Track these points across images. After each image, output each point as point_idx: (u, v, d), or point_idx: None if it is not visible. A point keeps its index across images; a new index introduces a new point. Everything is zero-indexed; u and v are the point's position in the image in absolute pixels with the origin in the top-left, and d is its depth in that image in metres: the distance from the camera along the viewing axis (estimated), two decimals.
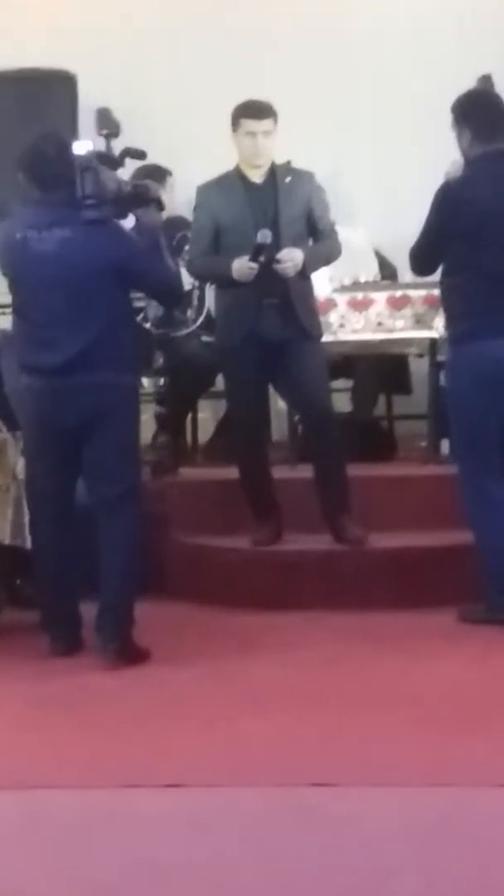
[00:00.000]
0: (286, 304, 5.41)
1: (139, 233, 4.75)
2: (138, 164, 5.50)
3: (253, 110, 5.41)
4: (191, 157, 5.80)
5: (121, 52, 7.02)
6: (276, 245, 5.36)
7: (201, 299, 6.15)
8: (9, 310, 6.59)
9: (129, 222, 4.77)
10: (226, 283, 5.40)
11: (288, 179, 5.44)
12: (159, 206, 4.85)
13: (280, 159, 5.48)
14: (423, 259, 5.01)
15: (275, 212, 5.40)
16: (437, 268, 4.99)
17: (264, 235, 5.27)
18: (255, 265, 5.26)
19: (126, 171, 5.13)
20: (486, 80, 5.20)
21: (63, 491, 4.75)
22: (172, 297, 5.15)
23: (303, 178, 5.49)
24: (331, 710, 4.06)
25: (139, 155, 5.21)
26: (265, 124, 5.39)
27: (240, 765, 3.63)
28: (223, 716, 4.06)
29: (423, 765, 3.53)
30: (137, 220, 4.77)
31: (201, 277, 5.81)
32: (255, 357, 5.44)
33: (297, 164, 5.55)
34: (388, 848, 3.03)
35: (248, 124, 5.40)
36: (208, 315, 6.13)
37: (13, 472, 5.06)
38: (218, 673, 4.51)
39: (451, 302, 4.98)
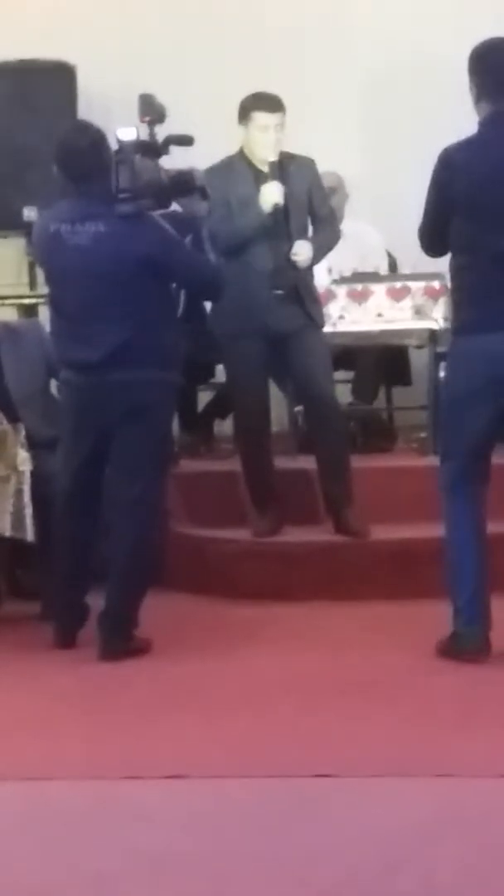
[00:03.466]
0: (295, 294, 5.41)
1: (178, 223, 4.65)
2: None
3: (266, 103, 5.35)
4: (189, 148, 5.76)
5: (120, 42, 7.01)
6: (287, 231, 5.34)
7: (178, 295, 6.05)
8: (8, 301, 6.60)
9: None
10: (245, 240, 5.32)
11: (291, 168, 5.42)
12: (203, 194, 4.70)
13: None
14: (427, 238, 4.45)
15: (284, 198, 5.37)
16: (447, 247, 4.42)
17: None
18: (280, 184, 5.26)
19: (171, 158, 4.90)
20: None
21: (93, 487, 4.69)
22: (211, 291, 5.00)
23: (304, 165, 5.48)
24: (331, 701, 4.06)
25: (185, 141, 5.03)
26: (277, 117, 5.35)
27: (240, 756, 3.63)
28: (224, 707, 4.06)
29: (425, 756, 3.54)
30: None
31: (229, 246, 5.32)
32: (261, 349, 5.45)
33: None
34: (390, 838, 3.03)
35: (262, 117, 5.35)
36: (192, 305, 6.10)
37: (14, 464, 5.05)
38: (218, 664, 4.51)
39: (456, 286, 4.47)
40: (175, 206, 4.71)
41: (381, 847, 2.99)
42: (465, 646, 4.28)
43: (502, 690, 4.07)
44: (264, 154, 5.38)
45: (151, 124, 4.87)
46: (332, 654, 4.56)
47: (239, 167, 5.44)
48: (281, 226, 5.37)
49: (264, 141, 5.37)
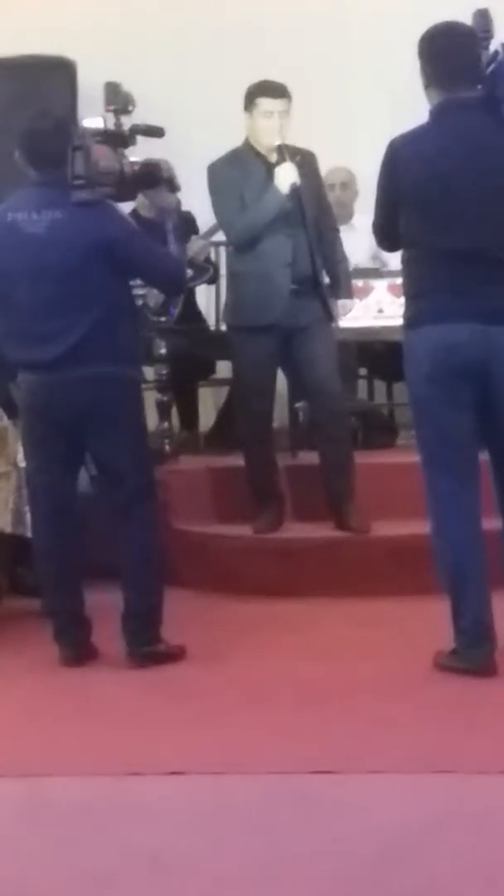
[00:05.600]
0: (312, 286, 5.41)
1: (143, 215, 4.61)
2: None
3: (270, 89, 5.34)
4: (190, 143, 5.77)
5: (120, 37, 7.01)
6: (303, 221, 5.34)
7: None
8: None
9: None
10: (266, 224, 5.32)
11: (297, 158, 5.41)
12: (171, 186, 4.61)
13: None
14: (379, 232, 4.28)
15: (295, 188, 5.35)
16: (398, 241, 4.23)
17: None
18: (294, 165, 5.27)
19: (140, 149, 4.84)
20: (482, 16, 4.22)
21: (63, 487, 4.52)
22: (172, 286, 4.91)
23: (308, 157, 5.48)
24: (332, 697, 4.05)
25: (153, 132, 4.93)
26: (282, 104, 5.34)
27: (240, 752, 3.63)
28: (224, 703, 4.06)
29: (425, 752, 3.53)
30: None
31: (251, 233, 5.36)
32: (274, 343, 5.44)
33: None
34: (390, 835, 3.03)
35: (266, 103, 5.33)
36: (188, 307, 6.14)
37: (14, 461, 5.04)
38: (219, 660, 4.50)
39: (406, 279, 4.24)
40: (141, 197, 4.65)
41: (381, 844, 2.98)
42: (469, 666, 4.09)
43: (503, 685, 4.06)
44: (269, 140, 5.36)
45: (117, 113, 4.83)
46: (332, 651, 4.56)
47: (247, 158, 5.41)
48: (297, 214, 5.37)
49: (268, 127, 5.34)
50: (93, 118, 4.59)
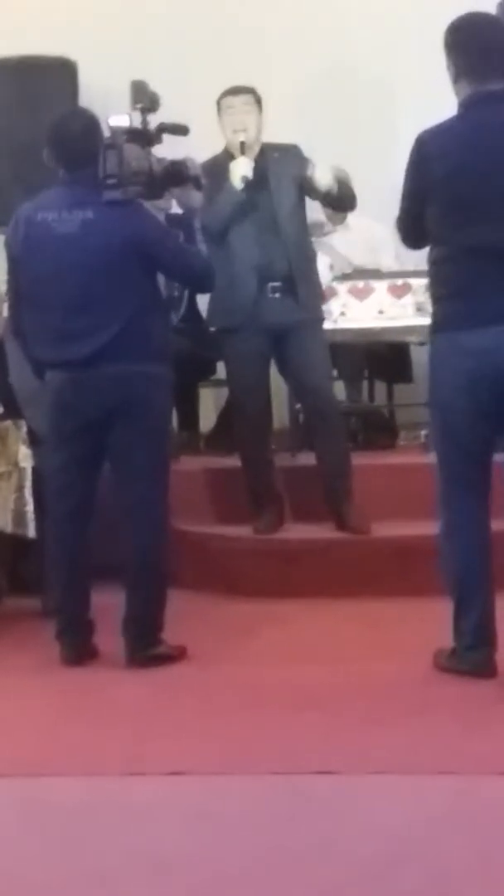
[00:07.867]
0: (290, 286, 5.41)
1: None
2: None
3: (231, 89, 5.48)
4: (192, 144, 5.76)
5: (121, 37, 7.00)
6: (274, 219, 5.37)
7: (181, 296, 6.06)
8: None
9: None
10: (223, 220, 5.35)
11: (276, 155, 5.47)
12: (197, 184, 4.61)
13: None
14: (404, 228, 4.19)
15: (266, 188, 5.39)
16: (425, 238, 4.14)
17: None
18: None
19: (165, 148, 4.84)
20: None
21: (83, 485, 4.50)
22: (201, 283, 4.91)
23: (289, 151, 5.52)
24: (331, 698, 4.05)
25: (179, 131, 4.89)
26: (243, 98, 5.44)
27: (241, 752, 3.62)
28: (225, 703, 4.06)
29: (427, 753, 3.53)
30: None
31: (212, 229, 5.27)
32: (256, 342, 5.44)
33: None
34: (392, 836, 3.02)
35: (227, 100, 5.47)
36: (190, 307, 6.14)
37: (16, 460, 5.04)
38: (219, 661, 4.50)
39: (433, 280, 4.14)
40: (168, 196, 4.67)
41: (383, 844, 2.98)
42: (468, 668, 4.10)
43: None
44: (234, 135, 5.43)
45: (144, 112, 4.84)
46: (332, 652, 4.56)
47: (221, 163, 5.47)
48: (266, 215, 5.38)
49: (231, 122, 5.44)
50: (119, 115, 4.58)
